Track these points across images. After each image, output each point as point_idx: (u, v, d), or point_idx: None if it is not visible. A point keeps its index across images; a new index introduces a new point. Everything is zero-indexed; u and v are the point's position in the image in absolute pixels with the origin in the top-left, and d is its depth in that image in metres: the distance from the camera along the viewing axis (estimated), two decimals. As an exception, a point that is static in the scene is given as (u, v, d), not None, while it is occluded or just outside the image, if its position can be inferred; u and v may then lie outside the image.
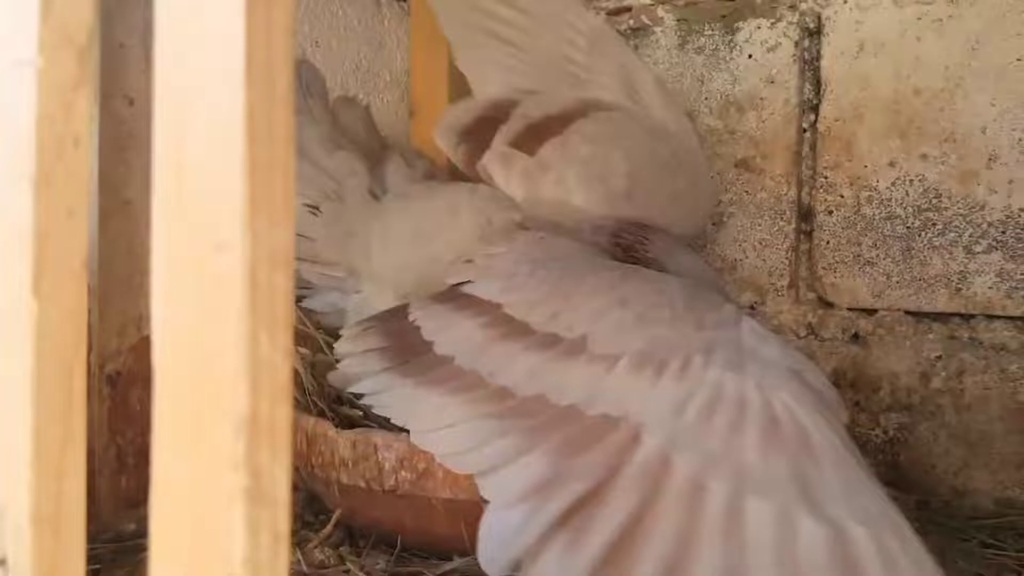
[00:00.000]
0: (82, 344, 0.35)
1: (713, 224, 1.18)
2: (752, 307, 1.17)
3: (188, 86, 0.31)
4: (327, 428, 0.80)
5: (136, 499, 0.87)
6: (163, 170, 0.31)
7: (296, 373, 0.93)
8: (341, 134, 1.01)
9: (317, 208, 0.95)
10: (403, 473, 0.75)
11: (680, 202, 0.90)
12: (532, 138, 0.84)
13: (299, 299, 1.09)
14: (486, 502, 0.55)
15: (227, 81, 0.30)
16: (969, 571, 0.81)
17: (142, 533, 0.65)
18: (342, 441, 0.78)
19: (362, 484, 0.77)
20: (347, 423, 0.83)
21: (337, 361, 0.95)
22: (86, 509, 0.35)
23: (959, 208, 1.08)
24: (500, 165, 0.84)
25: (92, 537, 0.68)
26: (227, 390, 0.29)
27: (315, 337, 1.00)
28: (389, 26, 1.24)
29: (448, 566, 0.74)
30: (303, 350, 1.02)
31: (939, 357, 1.08)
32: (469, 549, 0.75)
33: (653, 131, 0.87)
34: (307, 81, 1.02)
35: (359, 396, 0.90)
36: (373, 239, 0.93)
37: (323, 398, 0.92)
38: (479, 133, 0.88)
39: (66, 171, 0.34)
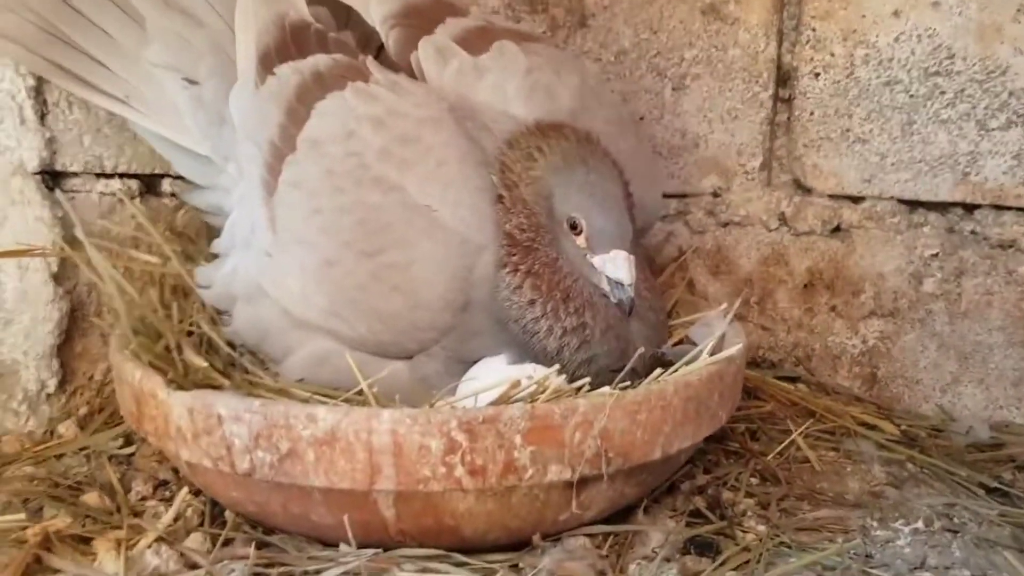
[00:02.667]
0: None
1: (673, 89, 0.95)
2: (715, 194, 0.96)
3: None
4: (157, 387, 0.59)
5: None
6: None
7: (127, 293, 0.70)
8: None
9: (196, 83, 0.75)
10: (260, 454, 0.56)
11: (639, 158, 0.76)
12: (477, 41, 0.74)
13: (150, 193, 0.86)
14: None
15: None
16: (981, 535, 0.66)
17: None
18: (176, 407, 0.57)
19: (208, 464, 0.57)
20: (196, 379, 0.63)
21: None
22: None
23: (975, 72, 0.87)
24: (434, 60, 0.73)
25: None
26: None
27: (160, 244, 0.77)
28: None
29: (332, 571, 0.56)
30: (150, 258, 0.79)
31: (935, 255, 0.91)
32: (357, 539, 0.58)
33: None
34: None
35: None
36: None
37: (173, 331, 0.70)
38: (418, 18, 0.76)
39: None
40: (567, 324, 0.64)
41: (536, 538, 0.60)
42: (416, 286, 0.64)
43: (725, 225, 0.97)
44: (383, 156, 0.65)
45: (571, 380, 0.61)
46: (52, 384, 0.81)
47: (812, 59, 0.92)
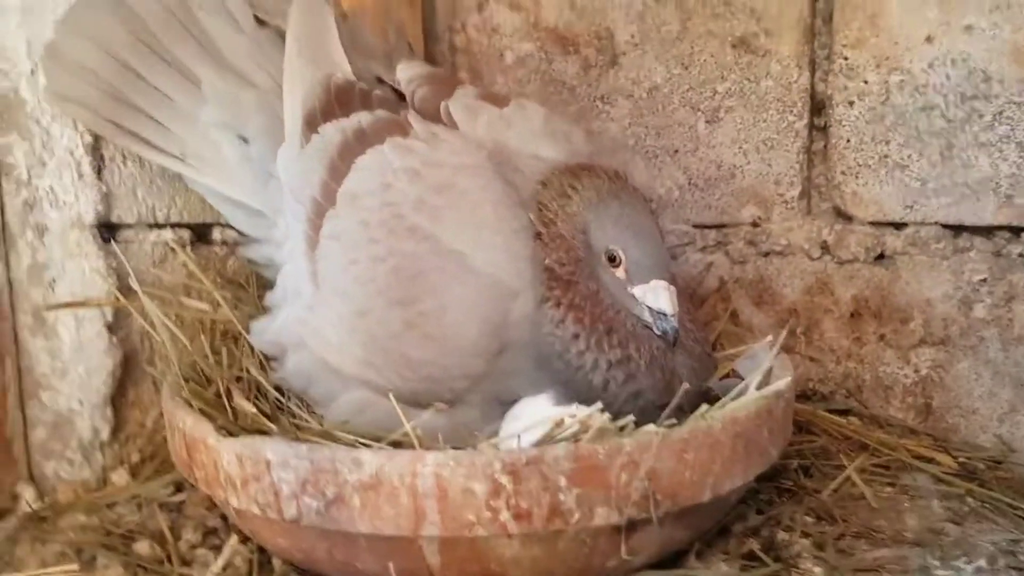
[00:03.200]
0: None
1: (707, 122, 0.95)
2: (755, 224, 0.96)
3: None
4: (207, 433, 0.60)
5: None
6: None
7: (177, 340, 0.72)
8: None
9: (247, 141, 0.78)
10: (307, 500, 0.56)
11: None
12: (495, 100, 0.78)
13: (196, 241, 0.88)
14: None
15: None
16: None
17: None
18: (225, 453, 0.58)
19: (256, 511, 0.58)
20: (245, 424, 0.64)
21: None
22: None
23: (1012, 94, 0.86)
24: (464, 113, 0.76)
25: None
26: None
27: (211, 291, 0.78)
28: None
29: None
30: (201, 305, 0.81)
31: (983, 280, 0.89)
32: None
33: None
34: None
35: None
36: None
37: (223, 377, 0.71)
38: (440, 84, 0.80)
39: None
40: (611, 357, 0.64)
41: (584, 585, 0.60)
42: (448, 332, 0.65)
43: (766, 255, 0.96)
44: (418, 206, 0.67)
45: (617, 417, 0.60)
46: (105, 432, 0.82)
47: (846, 87, 0.92)
